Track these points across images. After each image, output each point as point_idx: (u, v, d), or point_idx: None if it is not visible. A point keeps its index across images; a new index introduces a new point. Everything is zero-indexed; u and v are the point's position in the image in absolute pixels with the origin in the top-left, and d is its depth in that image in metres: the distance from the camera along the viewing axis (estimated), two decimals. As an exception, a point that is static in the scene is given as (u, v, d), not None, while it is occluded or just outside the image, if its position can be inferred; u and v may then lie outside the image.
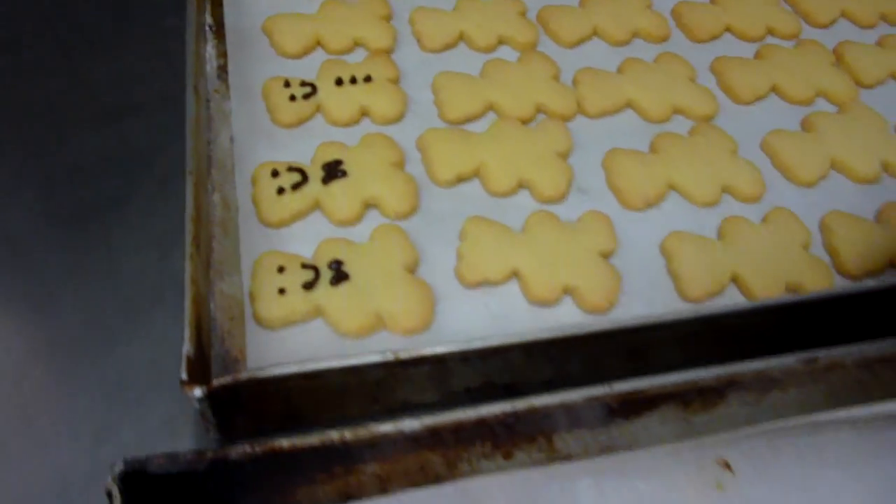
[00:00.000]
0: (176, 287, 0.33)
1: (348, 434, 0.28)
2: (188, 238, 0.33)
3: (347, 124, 0.42)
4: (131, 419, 0.34)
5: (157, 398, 0.35)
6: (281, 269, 0.36)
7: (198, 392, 0.28)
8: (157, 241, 0.39)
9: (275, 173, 0.39)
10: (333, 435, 0.28)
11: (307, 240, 0.37)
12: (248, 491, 0.28)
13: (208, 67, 0.43)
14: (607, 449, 0.30)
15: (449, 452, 0.29)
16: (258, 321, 0.35)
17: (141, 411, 0.34)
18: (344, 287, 0.35)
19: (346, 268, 0.36)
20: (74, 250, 0.39)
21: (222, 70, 0.44)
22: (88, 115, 0.44)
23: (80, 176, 0.41)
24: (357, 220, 0.39)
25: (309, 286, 0.35)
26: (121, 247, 0.39)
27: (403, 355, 0.30)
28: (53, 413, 0.34)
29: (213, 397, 0.29)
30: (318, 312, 0.35)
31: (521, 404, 0.29)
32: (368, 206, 0.39)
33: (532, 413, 0.29)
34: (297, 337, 0.35)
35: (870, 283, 0.34)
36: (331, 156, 0.40)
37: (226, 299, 0.35)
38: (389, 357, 0.30)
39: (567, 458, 0.30)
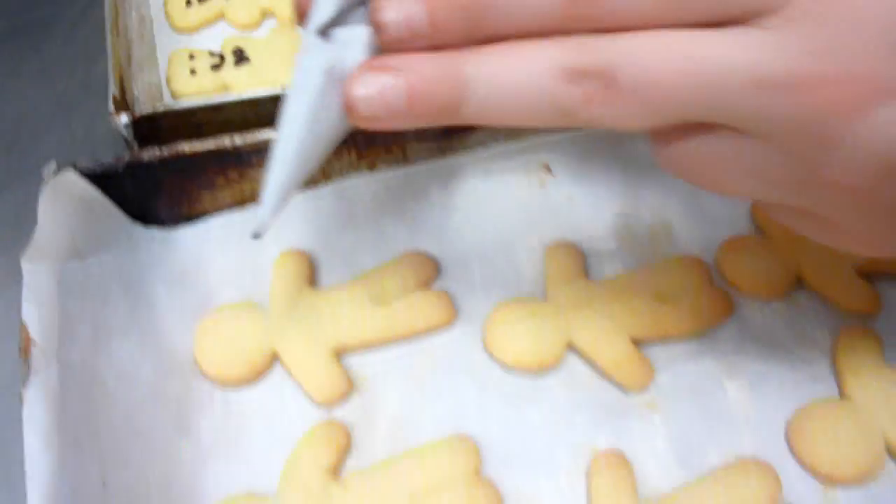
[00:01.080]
0: (103, 83, 0.39)
1: (238, 139, 0.35)
2: (108, 20, 0.40)
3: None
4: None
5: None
6: (191, 57, 0.43)
7: (124, 118, 0.36)
8: (83, 55, 0.46)
9: (183, -10, 0.46)
10: (226, 140, 0.35)
11: (213, 41, 0.45)
12: (161, 195, 0.36)
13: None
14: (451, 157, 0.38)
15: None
16: (174, 96, 0.42)
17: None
18: (246, 67, 0.43)
19: (248, 54, 0.43)
20: (8, 62, 0.45)
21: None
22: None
23: (4, 4, 0.48)
24: (256, 25, 0.46)
25: (216, 67, 0.43)
26: (50, 59, 0.46)
27: (291, 90, 0.38)
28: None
29: (136, 127, 0.36)
30: (224, 88, 0.42)
31: (375, 116, 0.36)
32: (266, 14, 0.46)
33: (385, 123, 0.36)
34: (207, 109, 0.42)
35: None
36: (231, -23, 0.47)
37: (146, 86, 0.42)
38: (280, 91, 0.37)
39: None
